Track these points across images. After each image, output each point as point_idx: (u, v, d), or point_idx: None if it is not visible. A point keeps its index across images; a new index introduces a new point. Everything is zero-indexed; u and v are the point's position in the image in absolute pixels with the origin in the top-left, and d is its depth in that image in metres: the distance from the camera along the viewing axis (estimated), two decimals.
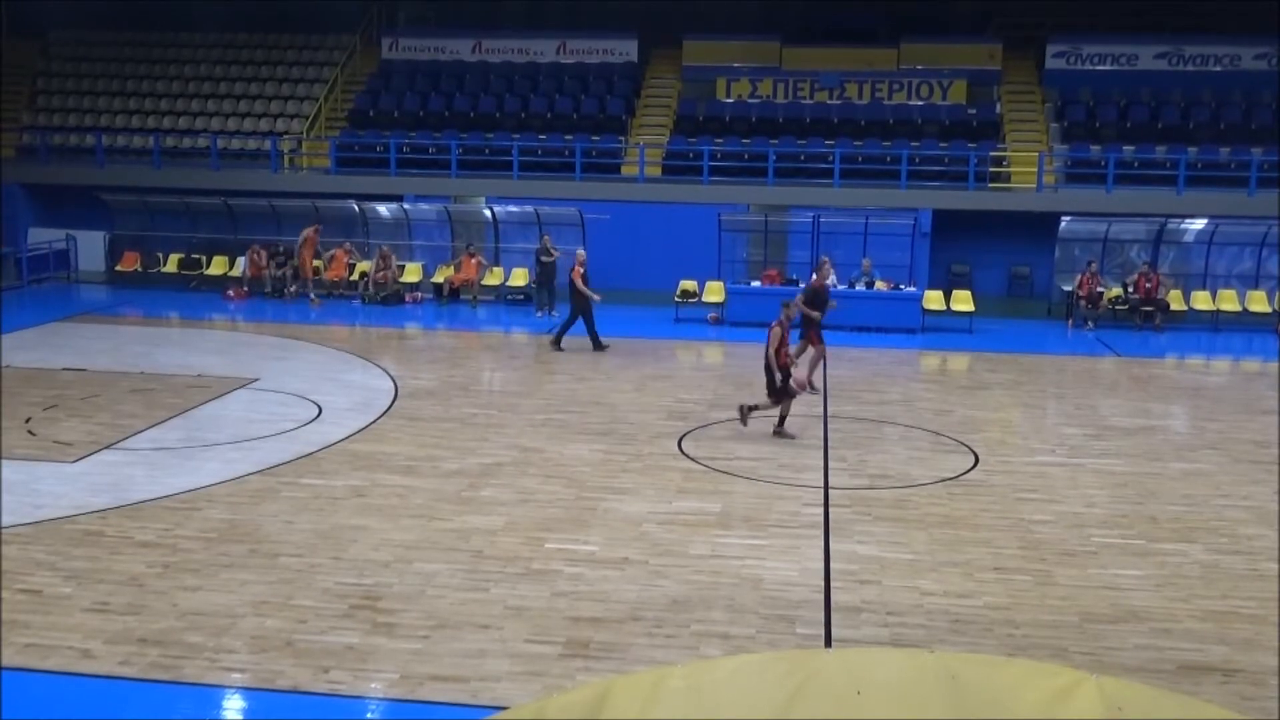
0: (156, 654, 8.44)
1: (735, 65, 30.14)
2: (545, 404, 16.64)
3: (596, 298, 20.63)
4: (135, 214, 29.12)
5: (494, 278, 27.02)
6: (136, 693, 7.95)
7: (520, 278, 26.71)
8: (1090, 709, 4.28)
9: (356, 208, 27.90)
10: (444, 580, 9.94)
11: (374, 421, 15.39)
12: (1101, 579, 10.39)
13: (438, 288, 26.56)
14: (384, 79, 31.48)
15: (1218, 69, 28.78)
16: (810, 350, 17.65)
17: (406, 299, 26.07)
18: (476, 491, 12.46)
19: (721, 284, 24.72)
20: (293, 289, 26.13)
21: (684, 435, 14.99)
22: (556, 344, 20.64)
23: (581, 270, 20.68)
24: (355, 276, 26.61)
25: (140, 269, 28.02)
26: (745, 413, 15.15)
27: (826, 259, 19.45)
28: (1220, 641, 9.16)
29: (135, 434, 14.47)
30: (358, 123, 30.15)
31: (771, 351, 14.80)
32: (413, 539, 10.93)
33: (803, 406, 16.76)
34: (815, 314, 17.52)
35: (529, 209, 27.16)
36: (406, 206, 28.06)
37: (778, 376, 14.84)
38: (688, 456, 14.04)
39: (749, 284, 24.63)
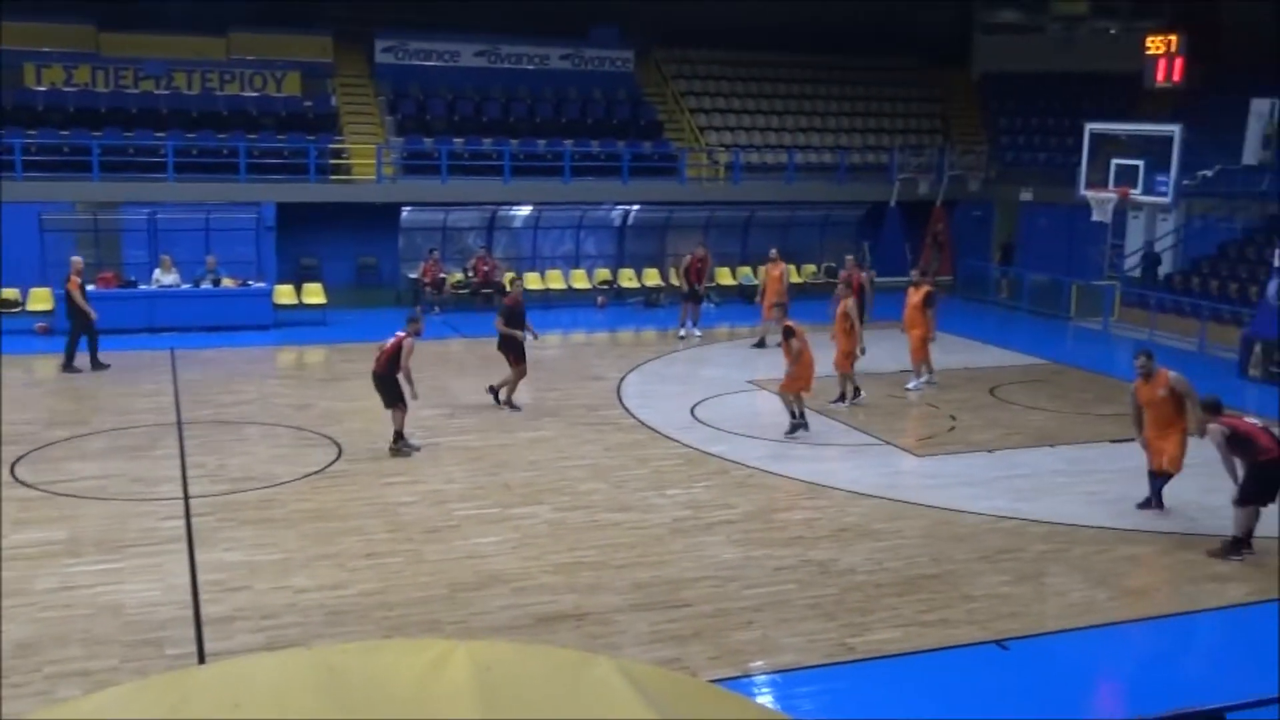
0: None
1: (45, 50, 27.41)
2: None
3: (93, 315, 18.56)
4: None
5: None
6: None
7: None
8: (461, 675, 4.49)
9: None
10: None
11: None
12: (465, 549, 10.99)
13: None
14: None
15: (530, 67, 31.30)
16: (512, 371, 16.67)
17: None
18: None
19: (49, 291, 22.50)
20: None
21: (17, 460, 13.51)
22: (69, 365, 18.57)
23: (79, 280, 18.75)
24: None
25: None
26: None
27: (517, 277, 18.66)
28: (570, 590, 10.09)
29: None
30: None
31: (384, 359, 14.10)
32: None
33: (154, 415, 15.83)
34: (518, 333, 16.58)
35: None
36: None
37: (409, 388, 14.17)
38: (23, 483, 12.69)
39: None
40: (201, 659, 8.59)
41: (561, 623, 9.44)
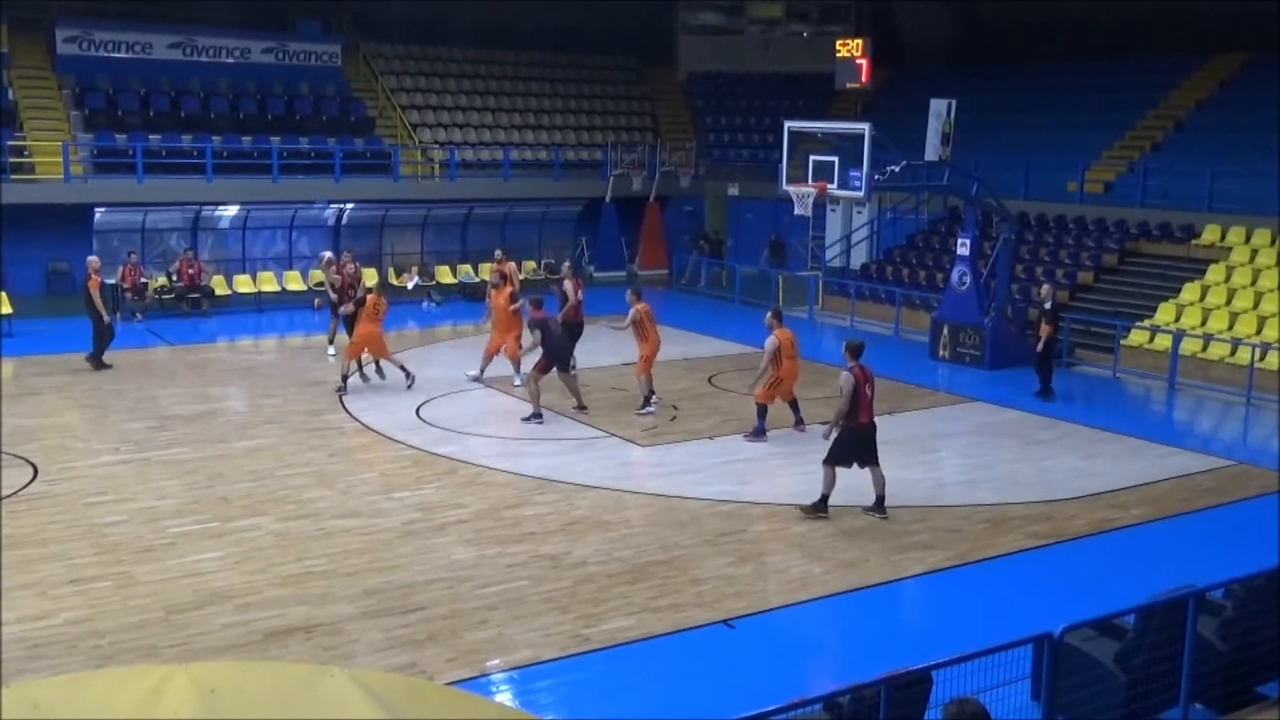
0: None
1: None
2: None
3: (106, 316, 18.95)
4: None
5: None
6: None
7: None
8: (183, 700, 4.29)
9: None
10: None
11: None
12: (182, 568, 10.44)
13: None
14: None
15: (231, 60, 29.90)
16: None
17: None
18: None
19: None
20: None
21: None
22: (98, 362, 18.81)
23: (99, 280, 19.20)
24: None
25: None
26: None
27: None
28: (299, 602, 9.76)
29: None
30: None
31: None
32: None
33: None
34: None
35: None
36: None
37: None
38: None
39: None
40: None
41: (291, 636, 9.12)
